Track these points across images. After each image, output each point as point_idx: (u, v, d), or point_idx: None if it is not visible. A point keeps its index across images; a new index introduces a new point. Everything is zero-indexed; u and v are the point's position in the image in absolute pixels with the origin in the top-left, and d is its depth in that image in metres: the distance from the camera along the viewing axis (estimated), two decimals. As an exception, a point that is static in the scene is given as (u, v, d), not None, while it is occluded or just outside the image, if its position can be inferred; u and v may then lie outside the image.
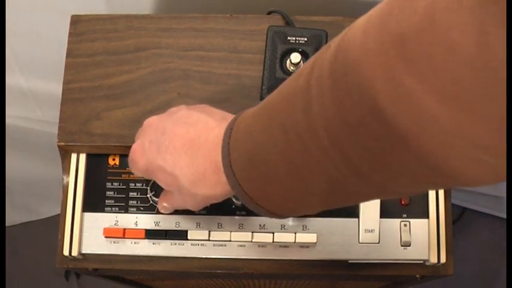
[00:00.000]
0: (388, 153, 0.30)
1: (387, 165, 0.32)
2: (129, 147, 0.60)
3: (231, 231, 0.60)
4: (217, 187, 0.45)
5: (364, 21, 0.30)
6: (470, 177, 0.30)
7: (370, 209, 0.60)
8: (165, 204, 0.53)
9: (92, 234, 0.61)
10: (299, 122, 0.34)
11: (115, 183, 0.62)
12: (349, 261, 0.61)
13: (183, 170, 0.45)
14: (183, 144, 0.46)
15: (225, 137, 0.43)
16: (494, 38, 0.22)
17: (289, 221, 0.61)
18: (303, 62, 0.59)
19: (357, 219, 0.61)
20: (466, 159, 0.27)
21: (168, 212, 0.56)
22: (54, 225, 0.62)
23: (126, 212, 0.61)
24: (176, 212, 0.61)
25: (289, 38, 0.60)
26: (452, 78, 0.24)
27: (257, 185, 0.42)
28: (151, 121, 0.51)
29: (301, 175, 0.37)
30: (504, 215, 1.41)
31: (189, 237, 0.60)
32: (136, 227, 0.61)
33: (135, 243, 0.61)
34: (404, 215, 0.61)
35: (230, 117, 0.46)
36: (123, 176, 0.62)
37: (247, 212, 0.61)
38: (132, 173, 0.61)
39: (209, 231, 0.60)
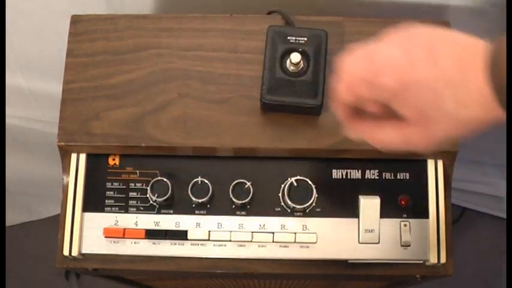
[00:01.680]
0: None
1: None
2: (129, 147, 0.60)
3: (231, 231, 0.60)
4: (492, 106, 0.37)
5: None
6: None
7: (370, 209, 0.60)
8: (388, 136, 0.43)
9: (92, 234, 0.61)
10: None
11: (115, 183, 0.62)
12: (349, 261, 0.61)
13: (449, 88, 0.38)
14: (453, 61, 0.38)
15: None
16: None
17: (289, 221, 0.61)
18: (303, 62, 0.59)
19: (357, 219, 0.61)
20: None
21: (389, 147, 0.44)
22: (54, 225, 0.62)
23: (126, 212, 0.61)
24: (176, 212, 0.61)
25: (289, 37, 0.60)
26: None
27: None
28: (419, 31, 0.41)
29: None
30: (504, 215, 1.41)
31: (189, 237, 0.60)
32: (136, 227, 0.61)
33: (135, 243, 0.61)
34: (404, 215, 0.61)
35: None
36: (123, 176, 0.62)
37: (247, 212, 0.61)
38: (132, 173, 0.61)
39: (209, 231, 0.60)
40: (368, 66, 0.41)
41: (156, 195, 0.60)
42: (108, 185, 0.62)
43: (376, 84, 0.41)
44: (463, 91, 0.38)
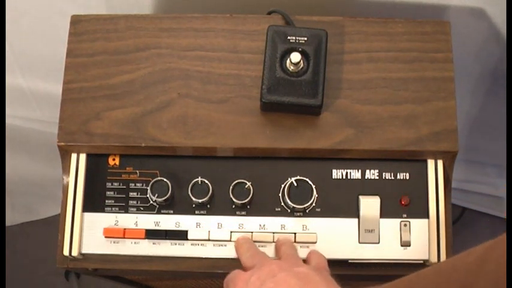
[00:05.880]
0: None
1: None
2: (129, 147, 0.60)
3: (231, 231, 0.60)
4: None
5: None
6: None
7: (370, 209, 0.60)
8: None
9: (92, 234, 0.61)
10: None
11: (115, 183, 0.62)
12: (349, 261, 0.61)
13: None
14: None
15: None
16: None
17: (289, 221, 0.61)
18: (303, 62, 0.59)
19: (357, 219, 0.61)
20: None
21: None
22: (54, 225, 0.62)
23: (126, 212, 0.61)
24: (176, 212, 0.61)
25: (289, 37, 0.60)
26: None
27: None
28: (274, 266, 0.52)
29: None
30: (504, 215, 1.41)
31: (189, 237, 0.60)
32: (137, 227, 0.61)
33: (135, 243, 0.61)
34: (404, 215, 0.61)
35: None
36: (123, 176, 0.62)
37: (247, 212, 0.61)
38: (132, 173, 0.61)
39: (209, 231, 0.60)
40: (230, 280, 0.53)
41: (156, 195, 0.60)
42: (108, 185, 0.62)
43: None
44: None
